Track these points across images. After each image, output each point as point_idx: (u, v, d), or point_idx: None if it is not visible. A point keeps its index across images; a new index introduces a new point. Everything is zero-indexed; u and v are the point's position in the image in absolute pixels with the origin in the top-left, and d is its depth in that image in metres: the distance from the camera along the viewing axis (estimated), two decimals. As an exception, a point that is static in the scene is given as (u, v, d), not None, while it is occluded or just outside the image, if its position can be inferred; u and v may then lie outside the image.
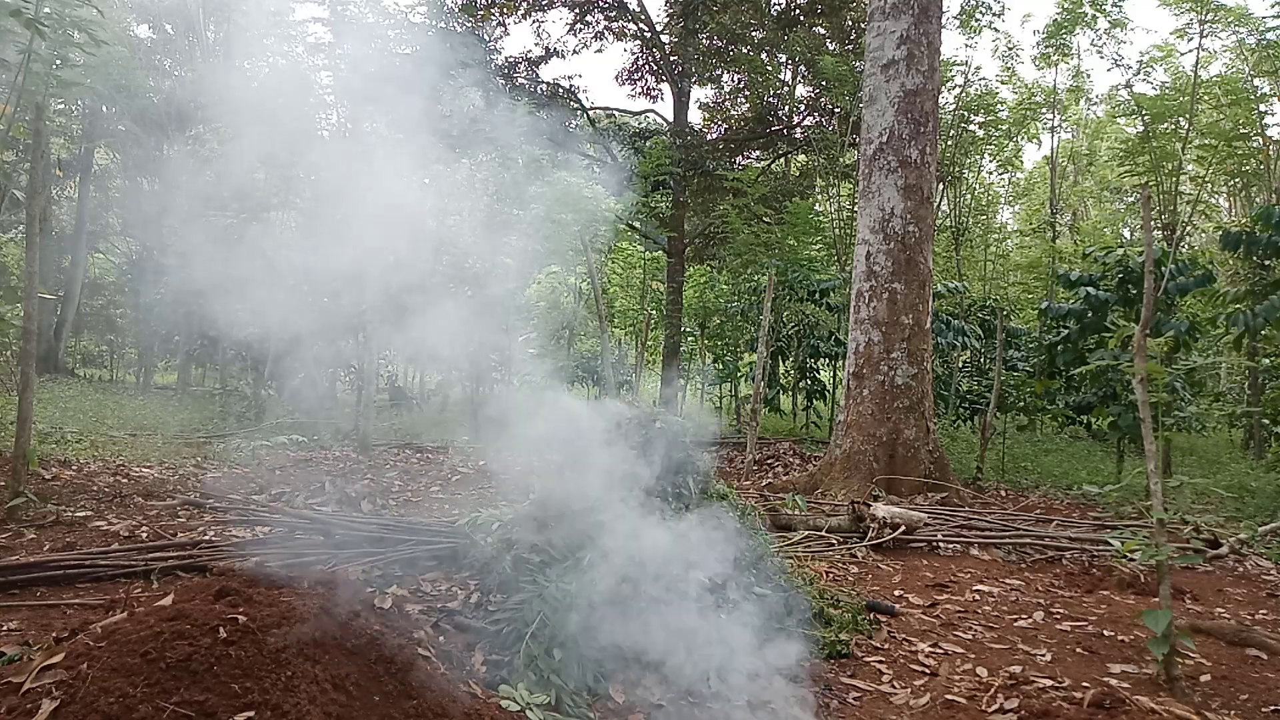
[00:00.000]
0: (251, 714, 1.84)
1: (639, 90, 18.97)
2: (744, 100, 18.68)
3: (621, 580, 2.91)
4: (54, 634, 2.46)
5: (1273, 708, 2.96)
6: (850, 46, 16.17)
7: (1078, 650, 3.56)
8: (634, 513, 3.11)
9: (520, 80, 17.00)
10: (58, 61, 5.13)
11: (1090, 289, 8.63)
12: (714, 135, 18.89)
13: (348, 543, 4.30)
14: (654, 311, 16.87)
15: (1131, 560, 4.66)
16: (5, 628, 2.96)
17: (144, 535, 4.43)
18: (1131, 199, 19.92)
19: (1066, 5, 14.64)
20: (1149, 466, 3.28)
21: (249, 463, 7.68)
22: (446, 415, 13.68)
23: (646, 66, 18.57)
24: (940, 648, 3.52)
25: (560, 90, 17.34)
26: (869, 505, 5.54)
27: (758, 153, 19.12)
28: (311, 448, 9.27)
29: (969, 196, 16.50)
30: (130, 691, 1.82)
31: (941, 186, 14.81)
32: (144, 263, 18.04)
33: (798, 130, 17.64)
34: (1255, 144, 11.57)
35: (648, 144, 16.38)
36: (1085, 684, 3.03)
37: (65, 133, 16.60)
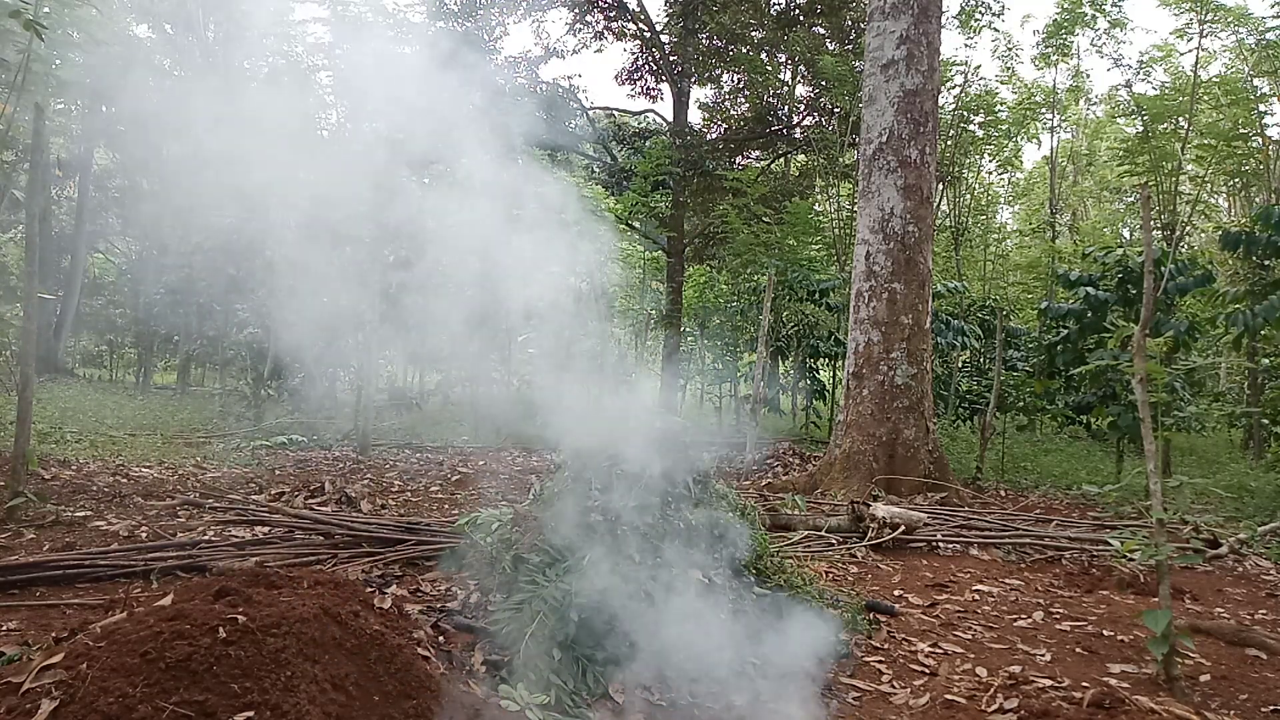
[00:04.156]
0: (251, 714, 1.84)
1: (639, 90, 18.98)
2: (744, 100, 18.69)
3: (621, 580, 2.91)
4: (53, 634, 2.46)
5: (1272, 708, 2.96)
6: (850, 46, 16.17)
7: (1077, 650, 3.56)
8: (635, 512, 3.11)
9: (520, 80, 17.01)
10: (57, 61, 5.14)
11: (1090, 289, 8.64)
12: (714, 135, 18.89)
13: (348, 543, 4.30)
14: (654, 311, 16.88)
15: (1131, 560, 4.66)
16: (5, 628, 2.96)
17: (143, 535, 4.43)
18: (1131, 199, 19.93)
19: (1066, 5, 14.66)
20: (1148, 466, 3.28)
21: (249, 463, 7.68)
22: (446, 415, 13.69)
23: (646, 66, 18.57)
24: (940, 648, 3.52)
25: (560, 90, 17.34)
26: (869, 505, 5.54)
27: (757, 153, 19.13)
28: (311, 448, 9.27)
29: (969, 196, 16.51)
30: (130, 691, 1.82)
31: (941, 186, 14.82)
32: (144, 262, 18.03)
33: (797, 130, 17.65)
34: (1255, 144, 11.57)
35: (648, 144, 16.39)
36: (1085, 684, 3.03)
37: (65, 133, 16.59)
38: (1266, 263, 8.47)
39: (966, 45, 39.00)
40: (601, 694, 2.70)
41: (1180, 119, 12.20)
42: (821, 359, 13.41)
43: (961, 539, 5.57)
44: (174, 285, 15.06)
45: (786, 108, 18.04)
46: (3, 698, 1.84)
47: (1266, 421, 9.55)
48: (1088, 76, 23.02)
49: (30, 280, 4.65)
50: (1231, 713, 2.89)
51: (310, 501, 5.68)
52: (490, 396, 12.74)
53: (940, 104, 9.25)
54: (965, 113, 14.93)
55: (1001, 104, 15.82)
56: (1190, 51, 12.50)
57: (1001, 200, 21.01)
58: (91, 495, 5.31)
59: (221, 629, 1.99)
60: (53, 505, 4.82)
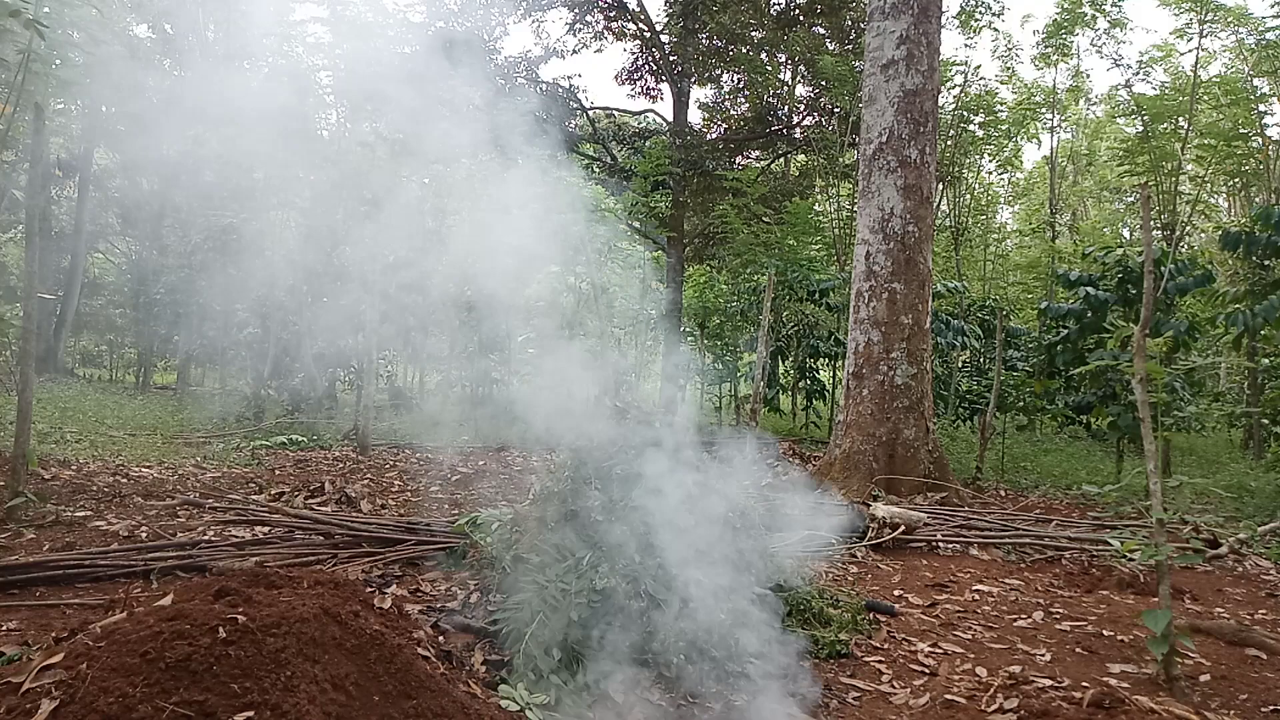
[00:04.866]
0: (251, 714, 1.84)
1: (639, 90, 18.99)
2: (744, 100, 18.69)
3: (621, 580, 2.91)
4: (53, 634, 2.46)
5: (1272, 708, 2.97)
6: (850, 46, 16.17)
7: (1077, 650, 3.56)
8: (634, 512, 3.11)
9: (520, 80, 17.01)
10: (57, 61, 5.13)
11: (1090, 289, 8.64)
12: (714, 135, 18.89)
13: (348, 543, 4.30)
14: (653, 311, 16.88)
15: (1131, 560, 4.66)
16: (5, 628, 2.96)
17: (143, 535, 4.43)
18: (1131, 199, 19.93)
19: (1066, 5, 14.66)
20: (1148, 466, 3.28)
21: (249, 463, 7.68)
22: (446, 415, 13.68)
23: (646, 66, 18.58)
24: (940, 648, 3.52)
25: (560, 90, 17.35)
26: (869, 505, 5.54)
27: (757, 153, 19.13)
28: (311, 448, 9.27)
29: (969, 196, 16.51)
30: (129, 691, 1.82)
31: (941, 186, 14.82)
32: (144, 262, 18.03)
33: (797, 130, 17.65)
34: (1255, 144, 11.57)
35: (647, 144, 16.40)
36: (1085, 684, 3.03)
37: (65, 133, 16.59)
38: (1266, 263, 8.47)
39: (966, 45, 39.03)
40: (601, 694, 2.70)
41: (1180, 119, 12.21)
42: (821, 359, 13.41)
43: (961, 539, 5.57)
44: (174, 285, 15.06)
45: (786, 108, 18.03)
46: (3, 698, 1.84)
47: (1266, 421, 9.55)
48: (1088, 76, 23.05)
49: (30, 280, 4.65)
50: (1231, 713, 2.89)
51: (310, 501, 5.68)
52: (490, 396, 12.74)
53: (940, 104, 9.25)
54: (965, 113, 14.92)
55: (1001, 104, 15.82)
56: (1190, 51, 12.52)
57: (1001, 200, 21.02)
58: (91, 495, 5.31)
59: (221, 629, 1.99)
60: (53, 505, 4.82)
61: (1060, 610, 4.17)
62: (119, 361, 22.66)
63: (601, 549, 3.00)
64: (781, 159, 19.55)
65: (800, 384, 13.43)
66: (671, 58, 17.45)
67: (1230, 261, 11.66)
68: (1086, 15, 14.69)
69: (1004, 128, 15.54)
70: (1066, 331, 9.11)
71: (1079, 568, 5.08)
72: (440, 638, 2.94)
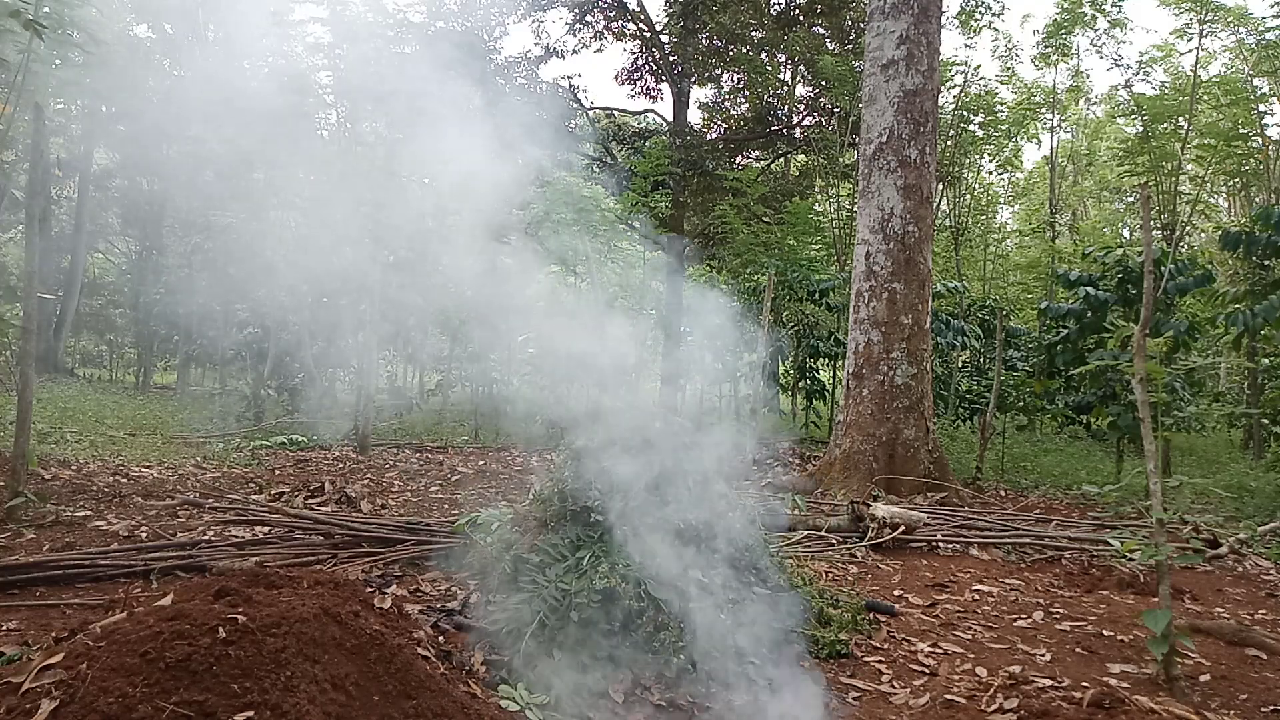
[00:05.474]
0: (251, 714, 1.84)
1: (639, 90, 18.99)
2: (744, 100, 18.69)
3: (621, 580, 2.91)
4: (53, 634, 2.46)
5: (1272, 708, 2.97)
6: (850, 46, 16.17)
7: (1077, 650, 3.56)
8: (635, 512, 3.11)
9: (520, 80, 17.02)
10: (57, 61, 5.13)
11: (1090, 289, 8.64)
12: (714, 135, 18.89)
13: (348, 543, 4.30)
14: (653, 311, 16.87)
15: (1131, 560, 4.66)
16: (5, 628, 2.96)
17: (143, 535, 4.43)
18: (1131, 199, 19.94)
19: (1066, 5, 14.66)
20: (1148, 466, 3.28)
21: (249, 463, 7.68)
22: (447, 415, 13.68)
23: (646, 66, 18.58)
24: (940, 648, 3.52)
25: (560, 90, 17.35)
26: (868, 505, 5.54)
27: (757, 153, 19.13)
28: (311, 448, 9.27)
29: (969, 196, 16.51)
30: (129, 691, 1.82)
31: (941, 186, 14.82)
32: (144, 262, 18.04)
33: (797, 130, 17.65)
34: (1255, 144, 11.57)
35: (647, 144, 16.39)
36: (1085, 684, 3.02)
37: (65, 133, 16.60)
38: (1266, 263, 8.47)
39: (966, 45, 39.04)
40: (601, 694, 2.70)
41: (1180, 119, 12.21)
42: (821, 359, 13.41)
43: (961, 539, 5.57)
44: (174, 285, 15.08)
45: (786, 108, 18.04)
46: (3, 698, 1.84)
47: (1266, 421, 9.55)
48: (1088, 76, 23.07)
49: (30, 280, 4.65)
50: (1231, 713, 2.89)
51: (310, 501, 5.68)
52: (490, 396, 12.75)
53: (940, 104, 9.25)
54: (965, 113, 14.92)
55: (1001, 104, 15.82)
56: (1190, 51, 12.51)
57: (1001, 200, 21.01)
58: (91, 495, 5.31)
59: (221, 629, 1.99)
60: (53, 505, 4.82)
61: (1060, 610, 4.17)
62: (119, 361, 22.68)
63: (601, 549, 3.00)
64: (781, 159, 19.55)
65: (800, 384, 13.42)
66: (671, 58, 17.45)
67: (1230, 261, 11.65)
68: (1086, 15, 14.69)
69: (1004, 128, 15.53)
70: (1066, 331, 9.11)
71: (1079, 568, 5.08)
72: (440, 638, 2.94)
